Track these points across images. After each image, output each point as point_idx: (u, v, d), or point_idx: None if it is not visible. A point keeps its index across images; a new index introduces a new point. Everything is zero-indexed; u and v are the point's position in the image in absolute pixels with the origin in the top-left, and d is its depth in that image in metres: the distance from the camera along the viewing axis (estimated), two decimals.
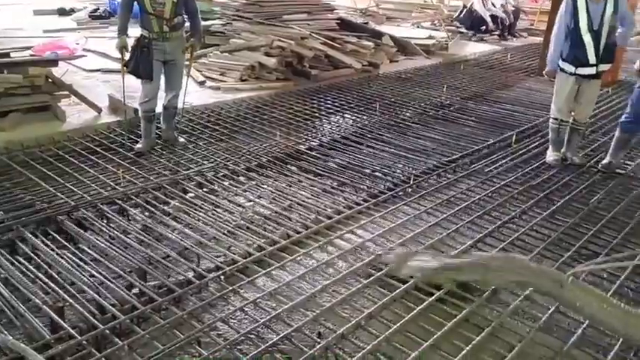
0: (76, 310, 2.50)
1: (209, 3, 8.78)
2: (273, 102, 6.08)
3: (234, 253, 3.05)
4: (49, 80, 4.95)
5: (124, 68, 4.35)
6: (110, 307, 2.51)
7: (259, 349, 2.31)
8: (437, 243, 3.28)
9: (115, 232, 3.19)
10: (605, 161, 4.57)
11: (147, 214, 3.49)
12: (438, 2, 13.35)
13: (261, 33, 7.21)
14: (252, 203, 3.71)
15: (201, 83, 6.42)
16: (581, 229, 3.53)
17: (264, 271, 2.89)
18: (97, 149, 4.44)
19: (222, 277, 2.83)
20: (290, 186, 4.01)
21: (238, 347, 2.36)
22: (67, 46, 7.64)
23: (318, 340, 2.41)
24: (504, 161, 4.65)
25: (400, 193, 3.99)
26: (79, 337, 2.31)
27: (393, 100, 6.39)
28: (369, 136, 5.15)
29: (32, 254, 2.93)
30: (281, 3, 7.82)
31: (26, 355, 2.03)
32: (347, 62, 7.41)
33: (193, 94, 5.81)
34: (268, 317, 2.53)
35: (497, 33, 11.43)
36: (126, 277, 2.78)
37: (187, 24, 4.49)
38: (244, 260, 2.96)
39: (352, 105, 6.12)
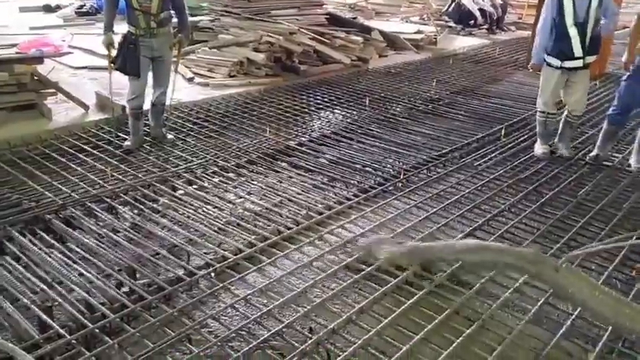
0: (65, 310, 2.48)
1: None
2: (262, 98, 6.05)
3: (224, 250, 3.04)
4: (35, 78, 4.89)
5: (111, 65, 4.31)
6: (99, 305, 2.49)
7: (250, 346, 2.31)
8: (427, 237, 3.29)
9: (104, 231, 3.16)
10: (592, 153, 4.60)
11: (136, 211, 3.47)
12: None
13: (249, 28, 7.17)
14: (242, 200, 3.70)
15: (190, 79, 6.38)
16: (569, 221, 3.56)
17: (254, 268, 2.88)
18: (85, 147, 4.40)
19: (212, 274, 2.82)
20: (280, 182, 4.00)
21: (229, 344, 2.36)
22: (53, 43, 7.56)
23: (310, 335, 2.41)
24: (493, 155, 4.67)
25: (390, 188, 3.99)
26: (69, 337, 2.30)
27: (382, 95, 6.39)
28: (359, 131, 5.14)
29: (20, 254, 2.90)
30: None
31: (15, 355, 2.01)
32: (336, 57, 7.40)
33: (182, 91, 5.77)
34: (259, 313, 2.52)
35: (485, 27, 11.46)
36: (115, 275, 2.75)
37: (175, 20, 4.45)
38: (235, 257, 2.96)
39: (342, 100, 6.12)
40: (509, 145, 4.91)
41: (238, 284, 2.77)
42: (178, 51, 4.56)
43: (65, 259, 2.85)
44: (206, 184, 3.89)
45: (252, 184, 3.95)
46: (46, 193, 3.55)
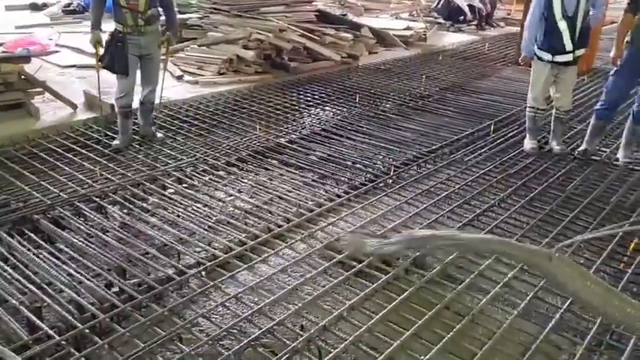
0: (54, 310, 2.46)
1: None
2: (252, 95, 6.04)
3: (214, 249, 3.03)
4: (22, 77, 4.85)
5: (99, 64, 4.27)
6: (89, 306, 2.48)
7: (241, 344, 2.31)
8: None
9: (93, 230, 3.14)
10: (581, 148, 4.64)
11: (125, 211, 3.45)
12: None
13: (238, 26, 7.14)
14: (232, 198, 3.69)
15: (179, 77, 6.34)
16: (558, 215, 3.59)
17: (245, 266, 2.88)
18: (73, 147, 4.36)
19: (203, 272, 2.81)
20: (271, 180, 3.99)
21: (220, 342, 2.36)
22: (40, 41, 7.47)
23: (301, 332, 2.42)
24: (483, 150, 4.70)
25: (381, 184, 4.00)
26: (58, 338, 2.28)
27: (372, 91, 6.39)
28: (349, 128, 5.15)
29: (8, 254, 2.88)
30: None
31: (4, 356, 2.00)
32: (326, 54, 7.39)
33: (171, 89, 5.74)
34: (250, 312, 2.52)
35: (474, 23, 11.48)
36: (105, 275, 2.74)
37: (163, 17, 4.42)
38: (225, 255, 2.95)
39: (332, 97, 6.11)
40: (499, 141, 4.93)
41: (229, 282, 2.77)
42: (167, 49, 4.53)
43: (54, 259, 2.83)
44: (196, 183, 3.87)
45: (243, 182, 3.94)
46: (34, 193, 3.52)
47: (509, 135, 5.09)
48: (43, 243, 3.00)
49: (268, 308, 2.57)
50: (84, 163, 4.05)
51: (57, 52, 7.28)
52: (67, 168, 3.96)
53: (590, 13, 4.23)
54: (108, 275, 2.74)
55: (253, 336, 2.36)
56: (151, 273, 2.81)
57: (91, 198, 3.51)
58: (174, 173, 3.97)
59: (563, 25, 4.16)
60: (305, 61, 7.32)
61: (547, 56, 4.32)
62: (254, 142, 4.66)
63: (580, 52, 4.29)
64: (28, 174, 3.81)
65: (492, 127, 5.21)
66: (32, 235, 3.08)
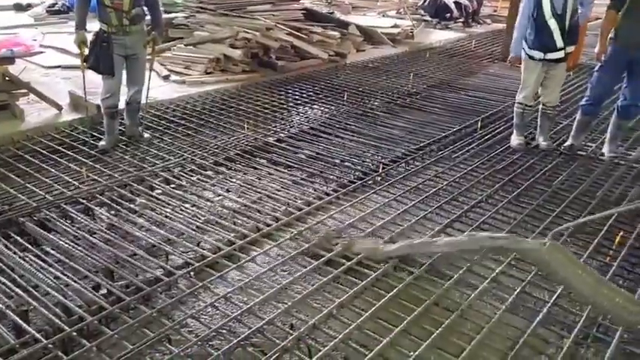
0: (41, 314, 2.44)
1: None
2: (239, 94, 6.02)
3: (203, 249, 3.02)
4: (7, 78, 4.79)
5: (84, 64, 4.23)
6: (77, 308, 2.46)
7: (231, 344, 2.30)
8: (407, 230, 3.31)
9: (80, 232, 3.12)
10: (567, 143, 4.68)
11: (112, 212, 3.42)
12: None
13: (225, 25, 7.11)
14: (220, 197, 3.68)
15: (166, 77, 6.30)
16: (545, 210, 3.62)
17: (234, 266, 2.87)
18: (59, 148, 4.32)
19: (191, 273, 2.80)
20: (259, 179, 3.98)
21: (210, 343, 2.35)
22: (24, 42, 7.39)
23: (291, 331, 2.41)
24: (470, 147, 4.72)
25: (370, 182, 4.01)
26: (45, 341, 2.26)
27: (360, 89, 6.40)
28: (338, 126, 5.15)
29: None
30: None
31: None
32: (313, 53, 7.39)
33: (157, 89, 5.70)
34: (239, 311, 2.51)
35: (461, 20, 11.54)
36: (92, 277, 2.72)
37: (148, 17, 4.39)
38: (214, 255, 2.94)
39: (320, 95, 6.11)
40: (486, 137, 4.96)
41: (218, 283, 2.76)
42: (152, 49, 4.49)
43: (40, 262, 2.80)
44: (184, 183, 3.85)
45: (231, 181, 3.92)
46: (20, 195, 3.48)
47: (496, 131, 5.12)
48: (29, 246, 2.97)
49: (258, 308, 2.57)
50: (70, 164, 4.01)
51: (41, 52, 7.22)
52: (52, 170, 3.92)
53: (580, 10, 4.26)
54: (95, 277, 2.72)
55: (243, 336, 2.35)
56: (139, 274, 2.79)
57: (77, 200, 3.48)
58: (162, 174, 3.94)
59: (553, 24, 4.19)
60: (293, 59, 7.31)
61: (538, 55, 4.34)
62: (242, 141, 4.65)
63: (570, 48, 4.33)
64: (13, 176, 3.77)
65: (479, 123, 5.24)
66: (18, 238, 3.04)
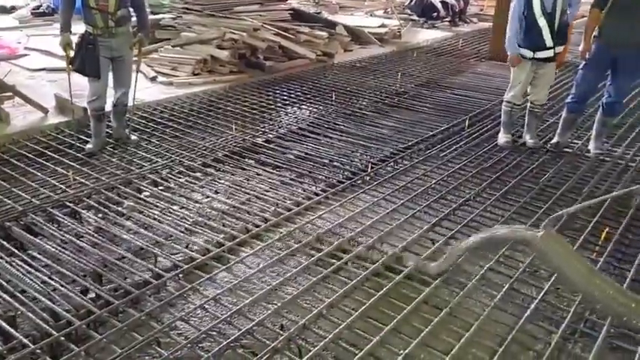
0: (29, 319, 2.41)
1: None
2: (227, 95, 6.00)
3: (192, 251, 3.01)
4: None
5: (69, 66, 4.20)
6: (64, 313, 2.44)
7: (221, 346, 2.30)
8: (395, 229, 3.32)
9: (67, 236, 3.09)
10: (553, 141, 4.72)
11: (100, 215, 3.40)
12: None
13: (212, 25, 7.09)
14: (209, 199, 3.67)
15: (153, 79, 6.27)
16: (532, 207, 3.65)
17: (223, 267, 2.86)
18: (45, 151, 4.28)
19: (180, 275, 2.79)
20: (248, 180, 3.98)
21: (200, 345, 2.34)
22: (9, 45, 7.32)
23: (281, 332, 2.41)
24: (458, 145, 4.75)
25: (358, 182, 4.02)
26: (33, 346, 2.24)
27: (348, 89, 6.41)
28: (326, 126, 5.15)
29: None
30: None
31: None
32: (301, 53, 7.39)
33: (144, 91, 5.67)
34: (229, 313, 2.51)
35: (448, 19, 11.60)
36: (80, 281, 2.70)
37: (134, 18, 4.36)
38: (203, 257, 2.93)
39: (308, 96, 6.11)
40: (474, 136, 4.99)
41: (207, 284, 2.75)
42: (139, 50, 4.46)
43: (27, 267, 2.78)
44: (172, 185, 3.83)
45: (220, 182, 3.91)
46: (5, 200, 3.44)
47: (483, 129, 5.16)
48: (15, 251, 2.94)
49: (247, 309, 2.56)
50: (56, 168, 3.98)
51: (26, 55, 7.15)
52: (39, 173, 3.88)
53: (568, 11, 4.29)
54: (83, 281, 2.70)
55: (233, 337, 2.35)
56: (128, 277, 2.78)
57: (64, 203, 3.45)
58: (150, 176, 3.92)
59: (542, 22, 4.22)
60: (280, 59, 7.31)
61: (528, 53, 4.37)
62: (230, 142, 4.64)
63: (559, 48, 4.36)
64: None
65: (467, 122, 5.27)
66: (4, 242, 3.01)
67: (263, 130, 5.00)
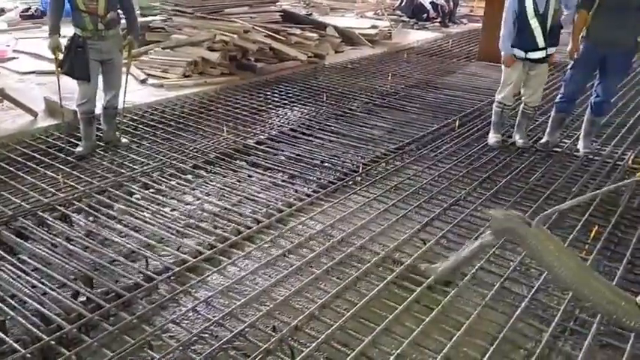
0: (19, 323, 2.40)
1: None
2: (218, 97, 5.99)
3: (183, 253, 3.00)
4: None
5: (59, 69, 4.17)
6: (55, 317, 2.42)
7: (213, 348, 2.29)
8: (387, 229, 3.34)
9: (58, 240, 3.07)
10: (543, 140, 4.76)
11: (91, 218, 3.38)
12: None
13: (202, 28, 7.08)
14: (200, 201, 3.66)
15: (143, 81, 6.25)
16: (522, 206, 3.67)
17: (215, 269, 2.86)
18: (35, 155, 4.25)
19: (172, 277, 2.78)
20: (239, 181, 3.97)
21: (192, 348, 2.33)
22: None
23: (273, 333, 2.41)
24: (449, 145, 4.77)
25: (350, 182, 4.03)
26: (23, 351, 2.23)
27: (339, 90, 6.42)
28: (318, 127, 5.16)
29: None
30: None
31: None
32: (292, 54, 7.39)
33: (135, 93, 5.65)
34: (221, 315, 2.50)
35: (438, 20, 11.66)
36: (71, 285, 2.68)
37: (124, 21, 4.35)
38: (194, 260, 2.92)
39: (299, 97, 6.12)
40: (464, 136, 5.02)
41: (199, 287, 2.75)
42: (129, 53, 4.45)
43: (17, 271, 2.76)
44: (163, 187, 3.82)
45: (211, 184, 3.91)
46: None
47: (473, 130, 5.18)
48: (5, 255, 2.91)
49: (239, 311, 2.56)
50: (46, 171, 3.95)
51: (15, 58, 7.10)
52: (28, 177, 3.85)
53: (565, 13, 4.32)
54: (74, 285, 2.68)
55: (225, 339, 2.35)
56: (119, 280, 2.77)
57: (54, 207, 3.43)
58: (141, 179, 3.91)
59: (534, 23, 4.24)
60: (271, 61, 7.30)
61: (520, 53, 4.39)
62: (221, 144, 4.63)
63: (551, 50, 4.38)
64: None
65: (457, 122, 5.30)
66: None
67: (254, 131, 5.00)
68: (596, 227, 3.33)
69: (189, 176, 4.04)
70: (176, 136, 4.78)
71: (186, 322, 2.52)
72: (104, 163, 4.17)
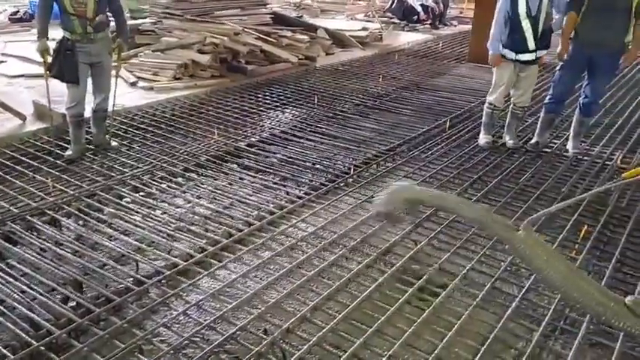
0: (8, 329, 2.38)
1: (137, 1, 8.51)
2: (209, 100, 5.98)
3: (174, 257, 2.98)
4: None
5: (47, 73, 4.14)
6: (44, 322, 2.40)
7: (204, 351, 2.28)
8: (378, 230, 3.34)
9: (47, 244, 3.05)
10: (532, 141, 4.79)
11: (80, 222, 3.36)
12: None
13: (193, 30, 7.06)
14: (191, 204, 3.64)
15: (133, 84, 6.22)
16: (512, 207, 3.69)
17: (206, 272, 2.85)
18: (24, 159, 4.21)
19: (162, 281, 2.77)
20: (230, 184, 3.96)
21: (183, 352, 2.32)
22: None
23: (264, 336, 2.41)
24: (440, 147, 4.79)
25: (341, 184, 4.03)
26: (12, 357, 2.21)
27: (330, 92, 6.43)
28: (309, 129, 5.16)
29: None
30: None
31: None
32: (283, 57, 7.39)
33: (125, 96, 5.62)
34: (212, 318, 2.50)
35: (428, 22, 11.71)
36: (60, 290, 2.66)
37: (113, 23, 4.33)
38: (185, 263, 2.91)
39: (291, 99, 6.12)
40: (455, 137, 5.04)
41: (190, 290, 2.73)
42: (118, 56, 4.42)
43: (6, 276, 2.73)
44: (154, 191, 3.80)
45: (202, 187, 3.89)
46: None
47: (464, 131, 5.21)
48: None
49: (231, 314, 2.55)
50: (35, 175, 3.92)
51: (3, 62, 7.04)
52: (17, 181, 3.82)
53: (556, 16, 4.35)
54: (64, 290, 2.66)
55: (216, 343, 2.34)
56: (109, 285, 2.75)
57: (43, 211, 3.41)
58: (131, 182, 3.89)
59: (526, 25, 4.26)
60: (262, 63, 7.30)
61: (511, 54, 4.42)
62: (212, 146, 4.62)
63: (542, 52, 4.41)
64: None
65: (448, 123, 5.32)
66: None
67: (245, 134, 4.99)
68: (586, 227, 3.36)
69: (180, 179, 4.02)
70: (167, 139, 4.76)
71: (177, 325, 2.51)
72: (94, 166, 4.15)
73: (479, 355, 2.29)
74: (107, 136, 4.57)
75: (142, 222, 3.34)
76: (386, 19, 11.75)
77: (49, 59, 4.07)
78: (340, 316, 2.52)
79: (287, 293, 2.71)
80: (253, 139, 4.84)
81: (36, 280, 2.73)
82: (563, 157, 4.62)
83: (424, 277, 2.83)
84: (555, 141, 4.95)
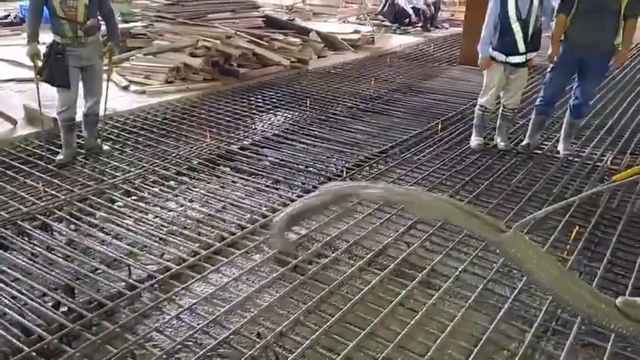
0: None
1: (128, 4, 8.48)
2: (202, 103, 5.97)
3: (167, 260, 2.98)
4: None
5: (38, 77, 4.12)
6: (36, 327, 2.39)
7: (197, 356, 2.28)
8: (371, 233, 3.35)
9: (38, 249, 3.03)
10: (524, 143, 4.82)
11: (72, 227, 3.34)
12: None
13: (185, 33, 7.05)
14: (183, 208, 3.64)
15: (125, 88, 6.20)
16: (504, 208, 3.71)
17: (199, 276, 2.84)
18: (14, 163, 4.19)
19: (155, 285, 2.76)
20: (223, 187, 3.96)
21: (176, 356, 2.32)
22: None
23: (257, 340, 2.40)
24: (431, 149, 4.81)
25: None
26: None
27: (323, 95, 6.44)
28: (302, 132, 5.16)
29: None
30: (204, 2, 7.68)
31: None
32: (275, 60, 7.40)
33: (117, 100, 5.60)
34: (205, 322, 2.49)
35: (420, 25, 11.76)
36: (52, 295, 2.65)
37: (104, 27, 4.31)
38: (178, 267, 2.90)
39: (283, 102, 6.12)
40: (446, 139, 5.06)
41: (183, 294, 2.73)
42: (109, 59, 4.41)
43: None
44: (146, 194, 3.79)
45: (194, 191, 3.89)
46: None
47: (456, 133, 5.23)
48: None
49: (224, 318, 2.55)
50: (26, 180, 3.89)
51: None
52: (8, 186, 3.79)
53: (542, 18, 4.38)
54: (55, 295, 2.65)
55: (209, 347, 2.33)
56: (101, 289, 2.74)
57: (34, 216, 3.38)
58: (123, 186, 3.87)
59: (516, 27, 4.29)
60: (254, 66, 7.30)
61: (501, 57, 4.44)
62: (205, 150, 4.61)
63: (532, 55, 4.44)
64: None
65: (440, 125, 5.34)
66: None
67: (238, 137, 4.99)
68: (577, 228, 3.38)
69: (172, 183, 4.01)
70: (159, 143, 4.75)
71: (169, 330, 2.50)
72: (85, 170, 4.13)
73: (471, 356, 2.30)
74: (99, 140, 4.55)
75: (134, 226, 3.33)
76: (377, 21, 11.79)
77: (40, 63, 4.05)
78: (333, 318, 2.52)
79: (280, 296, 2.71)
80: (246, 142, 4.84)
81: (27, 285, 2.71)
82: (554, 159, 4.65)
83: (417, 279, 2.83)
84: (546, 142, 4.99)
